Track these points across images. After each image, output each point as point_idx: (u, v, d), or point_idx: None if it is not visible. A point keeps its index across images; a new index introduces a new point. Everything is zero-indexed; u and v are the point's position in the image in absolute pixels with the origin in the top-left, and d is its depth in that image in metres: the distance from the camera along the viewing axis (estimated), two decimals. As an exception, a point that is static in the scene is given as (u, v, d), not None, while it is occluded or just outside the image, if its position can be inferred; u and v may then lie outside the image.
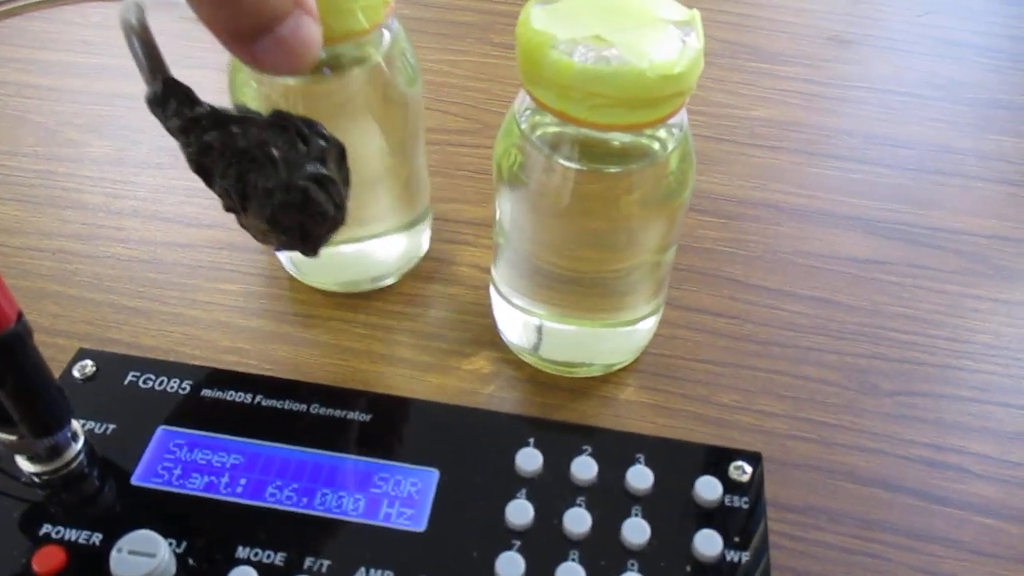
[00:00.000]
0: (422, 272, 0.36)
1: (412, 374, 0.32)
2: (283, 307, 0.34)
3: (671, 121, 0.25)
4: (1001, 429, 0.31)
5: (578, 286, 0.29)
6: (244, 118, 0.22)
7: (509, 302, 0.31)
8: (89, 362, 0.27)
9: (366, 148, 0.30)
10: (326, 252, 0.24)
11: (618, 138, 0.25)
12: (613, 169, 0.26)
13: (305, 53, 0.21)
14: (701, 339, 0.34)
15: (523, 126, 0.26)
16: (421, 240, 0.36)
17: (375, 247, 0.34)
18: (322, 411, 0.26)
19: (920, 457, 0.30)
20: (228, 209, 0.24)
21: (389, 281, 0.35)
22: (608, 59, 0.23)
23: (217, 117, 0.22)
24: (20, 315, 0.19)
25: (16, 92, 0.44)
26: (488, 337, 0.33)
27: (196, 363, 0.31)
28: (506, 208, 0.28)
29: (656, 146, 0.26)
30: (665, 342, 0.33)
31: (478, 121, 0.44)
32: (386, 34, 0.29)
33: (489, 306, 0.33)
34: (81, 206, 0.38)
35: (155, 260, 0.36)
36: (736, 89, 0.46)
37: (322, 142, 0.22)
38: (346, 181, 0.23)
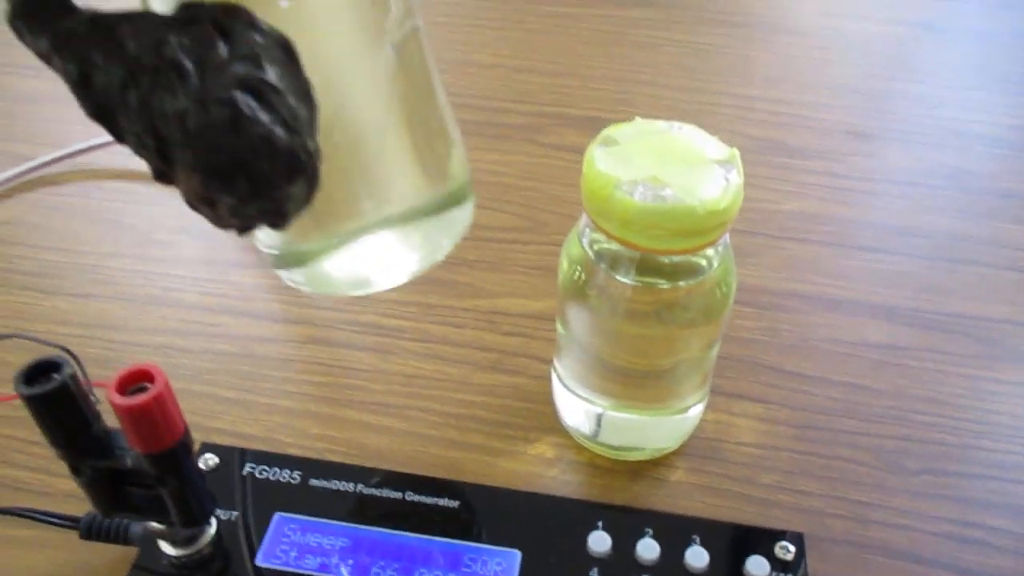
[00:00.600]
0: (487, 362, 0.40)
1: (484, 459, 0.36)
2: (364, 397, 0.38)
3: (719, 243, 0.29)
4: (1020, 505, 0.34)
5: (635, 379, 0.33)
6: (135, 15, 0.16)
7: (572, 392, 0.35)
8: (212, 455, 0.31)
9: (340, 61, 0.21)
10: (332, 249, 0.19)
11: (671, 258, 0.29)
12: (665, 285, 0.30)
13: None
14: (742, 423, 0.37)
15: (586, 245, 0.30)
16: (464, 217, 0.29)
17: (396, 237, 0.26)
18: (415, 498, 0.30)
19: (946, 532, 0.34)
20: (158, 175, 0.17)
21: (410, 277, 0.27)
22: (664, 198, 0.27)
23: (98, 23, 0.16)
24: (186, 428, 0.24)
25: (114, 197, 0.49)
26: (549, 423, 0.37)
27: (292, 450, 0.35)
28: (570, 312, 0.32)
29: (704, 263, 0.30)
30: (710, 427, 0.37)
31: (531, 219, 0.48)
32: None
33: (549, 394, 0.37)
34: (178, 304, 0.43)
35: (249, 354, 0.40)
36: (766, 184, 0.50)
37: (255, 35, 0.15)
38: (304, 96, 0.16)
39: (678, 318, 0.30)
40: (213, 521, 0.28)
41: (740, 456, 0.36)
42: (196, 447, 0.33)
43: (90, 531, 0.30)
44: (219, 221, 0.17)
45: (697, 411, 0.35)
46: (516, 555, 0.28)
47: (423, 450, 0.36)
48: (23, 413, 0.24)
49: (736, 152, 0.29)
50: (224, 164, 0.15)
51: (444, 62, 0.62)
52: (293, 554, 0.28)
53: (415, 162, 0.25)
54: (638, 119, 0.30)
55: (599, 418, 0.34)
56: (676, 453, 0.36)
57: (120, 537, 0.30)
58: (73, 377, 0.22)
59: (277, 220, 0.16)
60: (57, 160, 0.50)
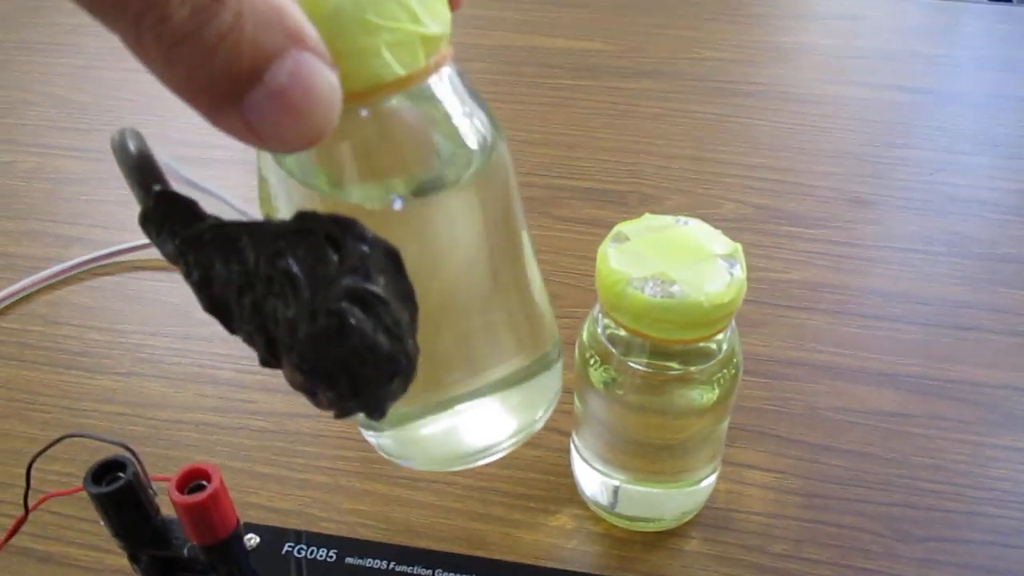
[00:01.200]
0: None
1: (506, 531, 0.38)
2: (391, 471, 0.40)
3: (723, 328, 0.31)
4: (1020, 570, 0.36)
5: (650, 453, 0.35)
6: (255, 225, 0.17)
7: (590, 465, 0.37)
8: (254, 535, 0.33)
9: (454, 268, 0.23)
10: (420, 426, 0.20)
11: (681, 346, 0.32)
12: (677, 369, 0.32)
13: (313, 105, 0.15)
14: (753, 493, 0.39)
15: (600, 331, 0.33)
16: (555, 383, 0.28)
17: (486, 410, 0.26)
18: (445, 575, 0.32)
19: (951, 599, 0.35)
20: (263, 362, 0.18)
21: (504, 451, 0.28)
22: (673, 294, 0.29)
23: (222, 231, 0.17)
24: (238, 520, 0.26)
25: (155, 277, 0.52)
26: (568, 495, 0.39)
27: (324, 524, 0.37)
28: (586, 393, 0.34)
29: (713, 347, 0.32)
30: (722, 496, 0.39)
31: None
32: (442, 85, 0.21)
33: (568, 466, 0.39)
34: (215, 381, 0.45)
35: (282, 430, 0.42)
36: (770, 253, 0.53)
37: (363, 246, 0.16)
38: (406, 299, 0.17)
39: (691, 401, 0.32)
40: (258, 601, 0.30)
41: (751, 525, 0.38)
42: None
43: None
44: (318, 406, 0.18)
45: (710, 482, 0.37)
46: (541, 631, 0.30)
47: (448, 523, 0.38)
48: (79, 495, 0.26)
49: (739, 247, 0.31)
50: (329, 368, 0.16)
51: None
52: (332, 632, 0.30)
53: (511, 331, 0.26)
54: (647, 215, 0.33)
55: (616, 491, 0.36)
56: (690, 523, 0.38)
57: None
58: (136, 475, 0.25)
59: (374, 414, 0.17)
60: (106, 256, 0.53)
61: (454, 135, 0.22)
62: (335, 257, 0.16)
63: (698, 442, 0.34)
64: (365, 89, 0.18)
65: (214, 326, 0.18)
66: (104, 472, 0.25)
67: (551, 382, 0.28)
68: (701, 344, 0.32)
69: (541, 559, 0.36)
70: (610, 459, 0.36)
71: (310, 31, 0.15)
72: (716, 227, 0.32)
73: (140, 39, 0.14)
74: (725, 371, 0.33)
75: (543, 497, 0.39)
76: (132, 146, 0.18)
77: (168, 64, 0.14)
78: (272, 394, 0.44)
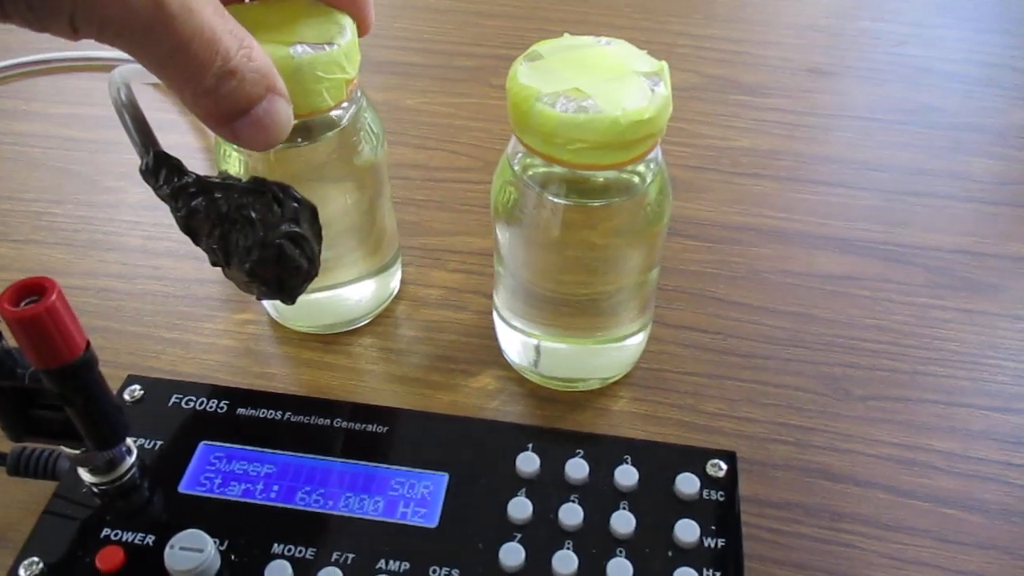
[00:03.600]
0: (434, 299, 0.39)
1: (425, 392, 0.35)
2: (306, 335, 0.38)
3: (647, 157, 0.28)
4: (966, 428, 0.34)
5: (571, 308, 0.32)
6: (226, 185, 0.25)
7: (509, 324, 0.34)
8: (137, 386, 0.31)
9: (336, 207, 0.33)
10: (302, 299, 0.27)
11: (600, 175, 0.29)
12: (597, 203, 0.29)
13: (277, 131, 0.24)
14: (688, 354, 0.37)
15: (516, 167, 0.30)
16: (390, 284, 0.39)
17: (346, 293, 0.37)
18: (344, 425, 0.29)
19: (889, 456, 0.33)
20: (214, 264, 0.27)
21: (363, 322, 0.38)
22: (586, 109, 0.26)
23: (202, 185, 0.25)
24: (88, 344, 0.23)
25: (58, 145, 0.48)
26: (493, 357, 0.37)
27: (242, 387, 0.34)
28: (503, 240, 0.32)
29: (636, 180, 0.29)
30: (655, 357, 0.37)
31: (481, 159, 0.47)
32: (351, 107, 0.32)
33: (494, 328, 0.37)
34: (121, 248, 0.42)
35: (189, 295, 0.40)
36: (721, 121, 0.50)
37: (295, 204, 0.25)
38: (318, 237, 0.26)
39: (609, 239, 0.30)
40: (134, 449, 0.27)
41: (685, 385, 0.36)
42: (123, 380, 0.32)
43: (17, 467, 0.29)
44: (249, 294, 0.27)
45: (637, 341, 0.35)
46: (444, 477, 0.28)
47: (363, 384, 0.35)
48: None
49: (665, 64, 0.28)
50: (270, 278, 0.25)
51: (398, 7, 0.61)
52: (217, 481, 0.28)
53: (367, 248, 0.36)
54: (567, 35, 0.30)
55: (537, 349, 0.34)
56: (620, 383, 0.35)
57: (49, 472, 0.29)
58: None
59: (289, 301, 0.26)
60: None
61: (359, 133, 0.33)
62: (278, 209, 0.25)
63: (623, 296, 0.32)
64: (309, 113, 0.29)
65: (122, 194, 0.28)
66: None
67: (394, 275, 0.39)
68: (623, 176, 0.29)
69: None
70: (529, 315, 0.33)
71: (280, 83, 0.24)
72: None
73: (181, 90, 0.23)
74: (649, 209, 0.30)
75: (466, 359, 0.37)
76: (128, 113, 0.27)
77: (195, 103, 0.23)
78: (181, 260, 0.41)
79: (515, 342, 0.35)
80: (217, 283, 0.40)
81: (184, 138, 0.48)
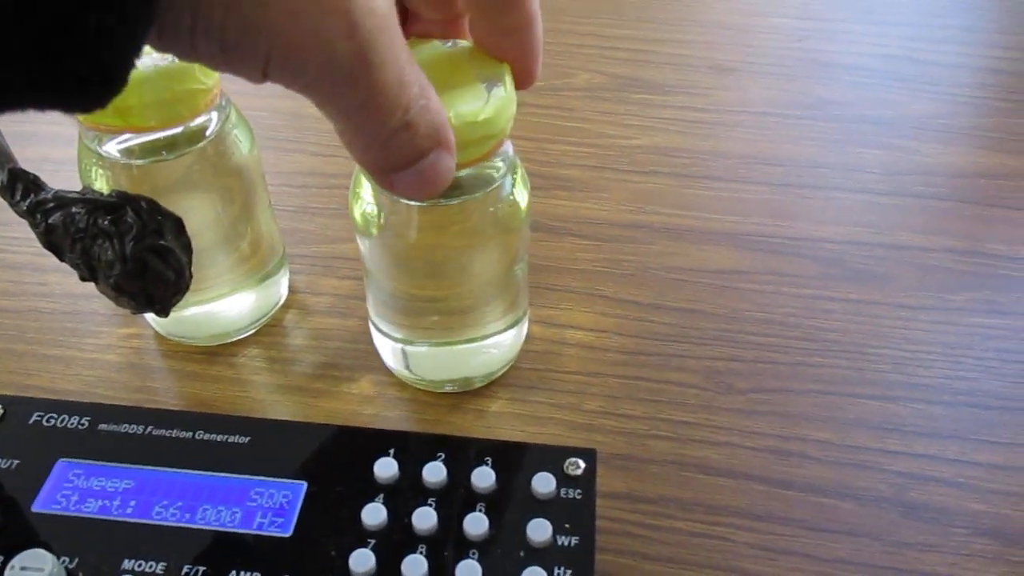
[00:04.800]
0: (322, 307, 0.39)
1: (307, 401, 0.35)
2: (191, 346, 0.37)
3: (498, 156, 0.28)
4: (843, 417, 0.35)
5: (433, 309, 0.32)
6: (85, 199, 0.25)
7: (378, 329, 0.34)
8: (-3, 406, 0.30)
9: (205, 218, 0.33)
10: (180, 312, 0.26)
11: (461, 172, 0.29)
12: (454, 201, 0.29)
13: (436, 186, 0.22)
14: (573, 353, 0.37)
15: (364, 174, 0.30)
16: (275, 293, 0.38)
17: (225, 304, 0.36)
18: (206, 436, 0.29)
19: (766, 447, 0.34)
20: (83, 279, 0.26)
21: (248, 333, 0.37)
22: None
23: (61, 200, 0.25)
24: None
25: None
26: (377, 363, 0.36)
27: (110, 403, 0.34)
28: (363, 247, 0.32)
29: (494, 173, 0.29)
30: (539, 357, 0.37)
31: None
32: (215, 117, 0.32)
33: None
34: (9, 266, 0.41)
35: (75, 311, 0.39)
36: (621, 120, 0.50)
37: (158, 216, 0.25)
38: (186, 249, 0.25)
39: (467, 237, 0.30)
40: (-15, 469, 0.27)
41: (568, 385, 0.36)
42: (-15, 400, 0.32)
43: None
44: (120, 307, 0.26)
45: (509, 339, 0.35)
46: (302, 486, 0.28)
47: (244, 394, 0.35)
48: None
49: (506, 67, 0.28)
50: (136, 292, 0.25)
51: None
52: (74, 498, 0.28)
53: (244, 256, 0.36)
54: (413, 38, 0.30)
55: (403, 352, 0.34)
56: (501, 384, 0.36)
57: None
58: None
59: (162, 314, 0.26)
60: None
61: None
62: (140, 222, 0.24)
63: (486, 294, 0.32)
64: (165, 125, 0.30)
65: (8, 211, 0.26)
66: None
67: (279, 283, 0.39)
68: (479, 173, 0.29)
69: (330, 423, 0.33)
70: (393, 319, 0.33)
71: (450, 137, 0.22)
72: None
73: (354, 138, 0.21)
74: (504, 207, 0.30)
75: (349, 366, 0.36)
76: None
77: (364, 152, 0.22)
78: (69, 275, 0.40)
79: (385, 347, 0.35)
80: (103, 298, 0.39)
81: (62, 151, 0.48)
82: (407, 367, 0.34)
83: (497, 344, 0.34)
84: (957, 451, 0.33)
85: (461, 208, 0.29)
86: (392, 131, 0.21)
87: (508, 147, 0.29)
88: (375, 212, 0.30)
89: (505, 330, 0.34)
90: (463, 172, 0.28)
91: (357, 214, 0.30)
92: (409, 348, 0.33)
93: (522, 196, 0.30)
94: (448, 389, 0.35)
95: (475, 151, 0.27)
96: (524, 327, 0.35)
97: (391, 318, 0.33)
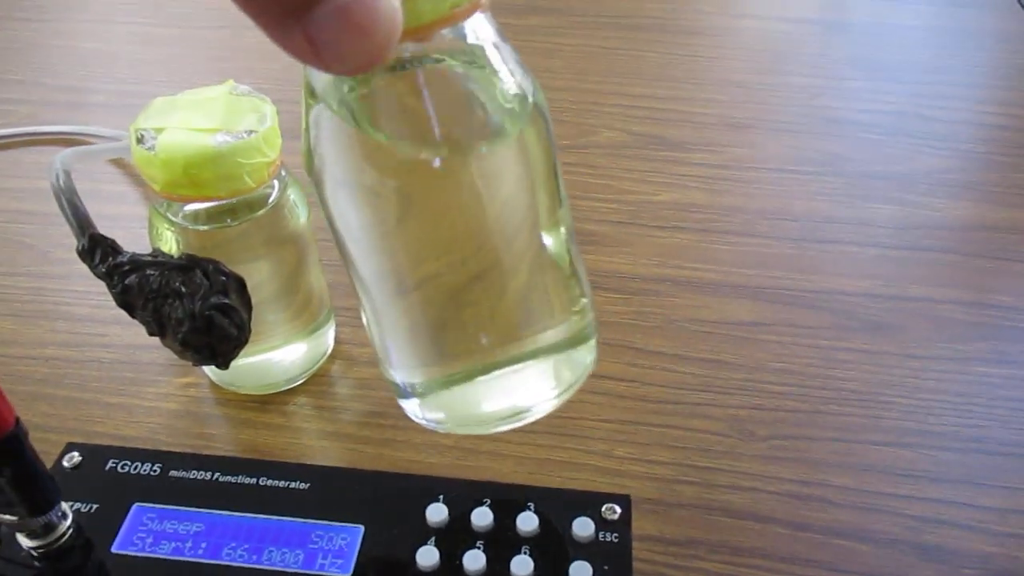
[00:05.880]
0: (367, 358, 0.41)
1: (356, 447, 0.37)
2: (244, 395, 0.40)
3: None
4: (860, 463, 0.37)
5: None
6: (157, 262, 0.28)
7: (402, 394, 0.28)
8: (75, 453, 0.33)
9: (263, 277, 0.36)
10: (236, 363, 0.29)
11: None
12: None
13: (375, 24, 0.15)
14: (604, 401, 0.39)
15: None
16: (323, 344, 0.41)
17: (277, 355, 0.39)
18: (269, 482, 0.31)
19: (788, 492, 0.36)
20: (151, 334, 0.29)
21: (298, 382, 0.40)
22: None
23: (135, 263, 0.28)
24: (17, 419, 0.25)
25: (12, 219, 0.50)
26: (421, 411, 0.39)
27: (171, 449, 0.36)
28: (349, 240, 0.25)
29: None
30: (573, 406, 0.39)
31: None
32: (275, 185, 0.35)
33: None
34: (69, 317, 0.44)
35: (134, 361, 0.42)
36: (644, 177, 0.53)
37: (223, 277, 0.27)
38: (247, 307, 0.28)
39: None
40: (69, 513, 0.29)
41: (599, 432, 0.38)
42: (62, 447, 0.34)
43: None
44: (183, 358, 0.29)
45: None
46: (359, 529, 0.30)
47: (296, 441, 0.38)
48: None
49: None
50: (201, 347, 0.28)
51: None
52: (149, 541, 0.30)
53: (296, 312, 0.38)
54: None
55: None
56: (539, 431, 0.38)
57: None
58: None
59: (222, 367, 0.29)
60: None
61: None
62: (207, 283, 0.27)
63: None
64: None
65: (73, 265, 0.31)
66: None
67: (326, 334, 0.41)
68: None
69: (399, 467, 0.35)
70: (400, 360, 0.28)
71: None
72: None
73: None
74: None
75: (395, 415, 0.39)
76: (66, 198, 0.30)
77: None
78: (126, 327, 0.43)
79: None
80: (160, 348, 0.42)
81: (135, 209, 0.51)
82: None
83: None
84: (968, 496, 0.35)
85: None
86: None
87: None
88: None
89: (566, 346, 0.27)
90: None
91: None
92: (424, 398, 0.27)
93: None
94: (475, 432, 0.36)
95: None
96: (594, 346, 0.29)
97: (394, 360, 0.27)
